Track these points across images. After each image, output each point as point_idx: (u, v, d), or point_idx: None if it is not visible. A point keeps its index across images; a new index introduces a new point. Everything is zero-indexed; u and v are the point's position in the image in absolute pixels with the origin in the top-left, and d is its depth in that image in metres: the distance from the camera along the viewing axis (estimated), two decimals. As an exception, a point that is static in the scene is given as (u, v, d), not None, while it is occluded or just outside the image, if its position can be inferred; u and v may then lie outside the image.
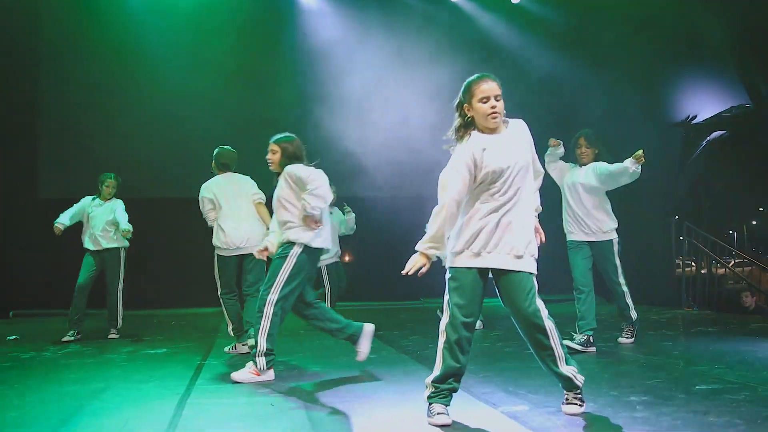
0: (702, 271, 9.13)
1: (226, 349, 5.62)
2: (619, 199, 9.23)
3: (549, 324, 3.18)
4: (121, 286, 6.72)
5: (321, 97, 9.47)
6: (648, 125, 9.22)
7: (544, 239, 3.35)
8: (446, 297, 3.21)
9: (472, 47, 10.04)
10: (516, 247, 3.13)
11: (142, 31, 9.31)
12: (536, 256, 3.24)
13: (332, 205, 7.35)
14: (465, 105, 3.22)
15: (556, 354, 3.19)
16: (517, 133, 3.26)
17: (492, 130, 3.22)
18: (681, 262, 9.43)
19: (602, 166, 5.39)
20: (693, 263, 9.47)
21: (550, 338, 3.17)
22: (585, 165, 5.47)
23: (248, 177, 5.78)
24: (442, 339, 3.19)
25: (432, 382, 3.20)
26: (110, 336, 6.64)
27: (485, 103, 3.15)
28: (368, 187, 9.50)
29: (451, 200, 3.12)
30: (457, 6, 10.29)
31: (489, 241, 3.13)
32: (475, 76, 3.23)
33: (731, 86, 8.77)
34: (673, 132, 9.61)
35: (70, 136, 9.34)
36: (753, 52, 8.35)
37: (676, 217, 9.26)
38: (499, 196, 3.15)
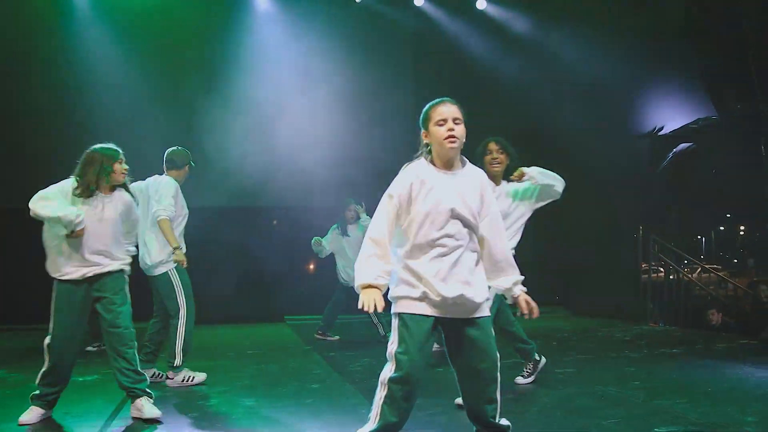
0: (670, 277, 8.98)
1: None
2: (587, 211, 9.28)
3: (499, 375, 2.88)
4: None
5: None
6: (615, 136, 9.05)
7: (536, 313, 2.91)
8: (392, 346, 2.80)
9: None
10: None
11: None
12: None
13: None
14: (423, 132, 2.91)
15: (498, 407, 2.88)
16: (472, 178, 2.90)
17: (446, 164, 2.87)
18: (648, 275, 9.28)
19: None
20: (660, 274, 9.33)
21: (498, 390, 2.87)
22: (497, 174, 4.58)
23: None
24: (382, 392, 2.77)
25: None
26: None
27: (442, 126, 2.83)
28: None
29: (368, 239, 2.80)
30: (423, 11, 10.03)
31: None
32: (434, 101, 2.92)
33: (698, 98, 8.60)
34: (641, 143, 9.45)
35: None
36: (719, 64, 8.18)
37: (641, 228, 9.06)
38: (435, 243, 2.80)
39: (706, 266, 10.50)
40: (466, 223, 2.80)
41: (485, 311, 2.85)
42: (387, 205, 2.81)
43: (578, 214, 8.94)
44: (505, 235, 2.96)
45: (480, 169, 2.98)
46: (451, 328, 2.82)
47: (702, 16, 7.96)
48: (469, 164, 2.94)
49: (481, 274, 2.87)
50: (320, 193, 9.17)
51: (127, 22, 9.19)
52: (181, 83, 9.20)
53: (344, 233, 7.29)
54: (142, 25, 9.22)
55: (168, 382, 5.03)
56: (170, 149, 5.26)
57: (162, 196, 4.96)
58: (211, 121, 8.78)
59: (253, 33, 9.59)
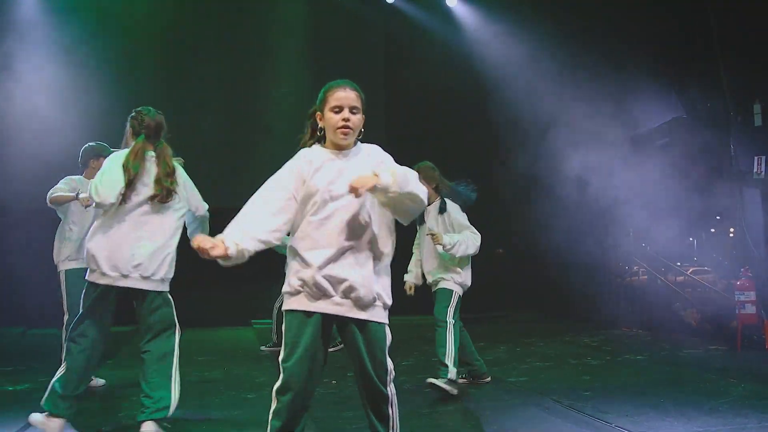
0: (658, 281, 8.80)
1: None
2: (564, 214, 9.10)
3: (391, 390, 2.62)
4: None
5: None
6: (593, 135, 8.83)
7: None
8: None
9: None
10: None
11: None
12: (388, 302, 2.64)
13: None
14: (318, 113, 2.68)
15: (391, 425, 2.62)
16: (367, 161, 2.64)
17: (338, 149, 2.65)
18: (626, 279, 9.12)
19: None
20: (639, 277, 9.15)
21: (390, 406, 2.61)
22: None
23: None
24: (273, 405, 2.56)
25: None
26: None
27: (337, 113, 2.61)
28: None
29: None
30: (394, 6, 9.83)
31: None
32: (333, 82, 2.68)
33: (669, 98, 8.40)
34: (618, 142, 9.23)
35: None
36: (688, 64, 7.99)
37: (630, 232, 8.87)
38: (325, 231, 2.55)
39: (683, 269, 10.26)
40: (354, 210, 2.56)
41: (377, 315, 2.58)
42: (265, 188, 2.64)
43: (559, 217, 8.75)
44: None
45: (376, 146, 2.74)
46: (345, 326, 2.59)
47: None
48: (365, 147, 2.71)
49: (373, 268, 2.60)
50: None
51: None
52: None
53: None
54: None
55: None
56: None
57: None
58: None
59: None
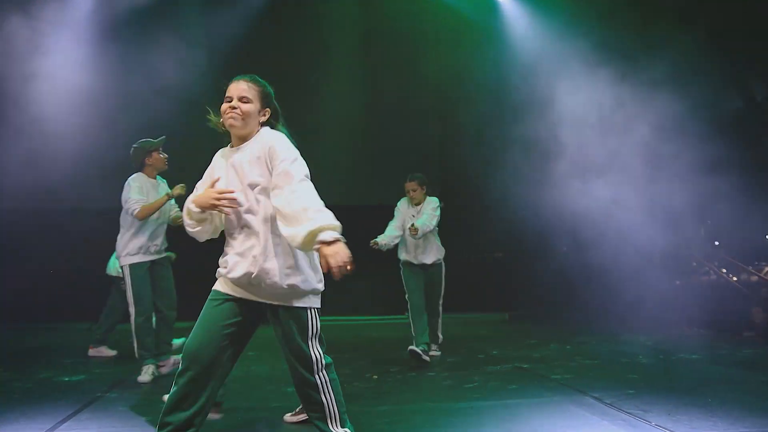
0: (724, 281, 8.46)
1: None
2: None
3: (322, 377, 2.74)
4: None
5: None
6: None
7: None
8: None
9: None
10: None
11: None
12: (304, 288, 2.75)
13: None
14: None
15: (327, 412, 2.73)
16: (255, 148, 2.77)
17: (238, 140, 2.85)
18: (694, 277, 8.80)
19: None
20: (710, 276, 8.81)
21: (321, 393, 2.71)
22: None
23: None
24: None
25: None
26: None
27: (226, 102, 2.84)
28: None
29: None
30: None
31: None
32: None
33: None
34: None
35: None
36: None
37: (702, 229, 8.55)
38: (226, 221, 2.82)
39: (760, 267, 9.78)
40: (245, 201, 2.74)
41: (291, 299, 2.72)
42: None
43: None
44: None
45: (273, 132, 2.86)
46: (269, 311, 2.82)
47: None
48: (262, 132, 2.83)
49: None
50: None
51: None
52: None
53: None
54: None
55: None
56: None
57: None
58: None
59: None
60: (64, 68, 8.12)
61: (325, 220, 2.42)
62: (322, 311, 2.84)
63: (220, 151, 2.92)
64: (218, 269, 2.82)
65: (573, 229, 9.39)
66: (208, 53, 8.78)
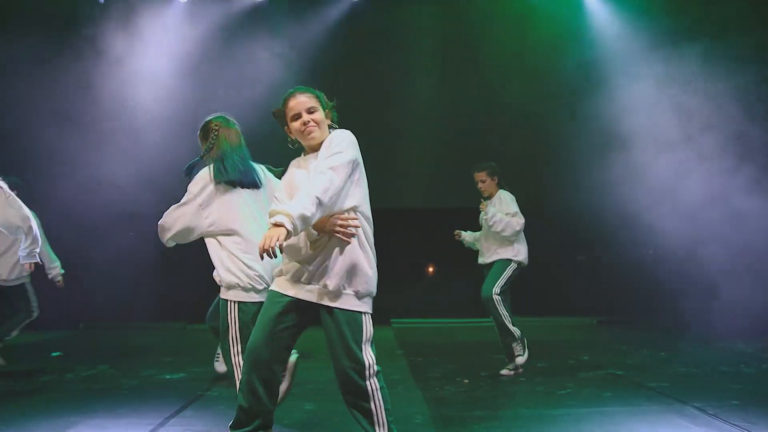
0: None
1: None
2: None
3: (373, 384, 2.69)
4: None
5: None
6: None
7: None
8: None
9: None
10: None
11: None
12: (363, 291, 2.72)
13: None
14: (286, 129, 2.96)
15: (376, 420, 2.69)
16: (324, 152, 2.77)
17: (311, 148, 2.89)
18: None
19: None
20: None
21: (371, 400, 2.68)
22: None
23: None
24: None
25: None
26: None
27: (296, 120, 2.86)
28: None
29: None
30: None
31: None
32: (284, 95, 2.93)
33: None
34: None
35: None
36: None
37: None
38: None
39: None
40: None
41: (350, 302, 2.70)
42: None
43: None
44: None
45: (340, 130, 2.84)
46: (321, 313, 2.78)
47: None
48: (330, 135, 2.83)
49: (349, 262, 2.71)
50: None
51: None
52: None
53: None
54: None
55: None
56: None
57: None
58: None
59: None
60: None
61: (289, 207, 2.51)
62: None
63: (294, 161, 2.97)
64: (274, 269, 2.87)
65: (662, 232, 9.11)
66: (292, 64, 8.96)
